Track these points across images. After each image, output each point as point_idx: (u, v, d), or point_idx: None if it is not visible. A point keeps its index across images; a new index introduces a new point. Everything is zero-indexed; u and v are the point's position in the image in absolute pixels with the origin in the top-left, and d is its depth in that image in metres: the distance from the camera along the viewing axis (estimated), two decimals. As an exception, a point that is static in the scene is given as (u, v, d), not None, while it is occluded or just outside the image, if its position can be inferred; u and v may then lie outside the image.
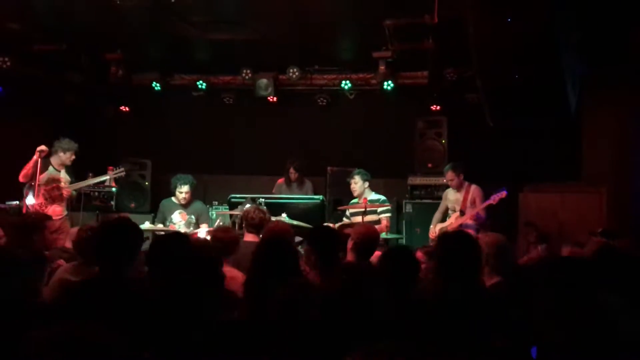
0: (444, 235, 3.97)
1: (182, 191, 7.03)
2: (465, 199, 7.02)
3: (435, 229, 7.21)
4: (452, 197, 7.19)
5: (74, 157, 7.10)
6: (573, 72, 7.45)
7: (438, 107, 8.91)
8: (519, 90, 7.82)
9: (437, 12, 6.08)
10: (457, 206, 7.11)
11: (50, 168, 7.00)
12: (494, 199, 6.71)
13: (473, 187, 7.09)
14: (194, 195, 7.35)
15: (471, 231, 6.83)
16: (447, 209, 7.29)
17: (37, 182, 6.67)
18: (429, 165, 8.62)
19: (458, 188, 7.09)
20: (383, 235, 6.60)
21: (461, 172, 7.10)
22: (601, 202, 7.47)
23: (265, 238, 4.15)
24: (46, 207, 6.80)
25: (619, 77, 7.42)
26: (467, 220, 6.86)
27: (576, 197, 7.65)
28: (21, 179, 6.82)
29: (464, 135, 8.66)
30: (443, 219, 7.29)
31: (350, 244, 4.13)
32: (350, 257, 4.09)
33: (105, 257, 3.06)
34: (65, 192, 6.94)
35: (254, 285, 3.03)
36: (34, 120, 8.98)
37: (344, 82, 8.75)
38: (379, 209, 6.88)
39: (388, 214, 6.96)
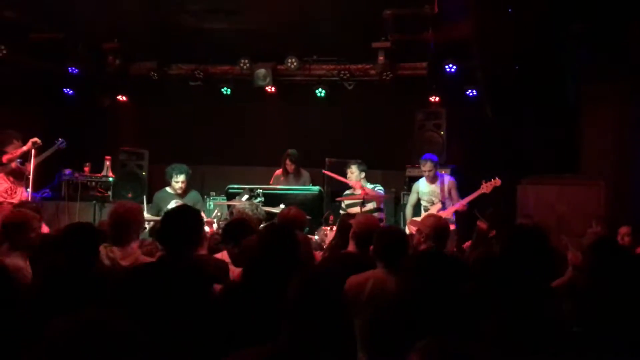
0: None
1: (179, 180, 6.96)
2: (442, 191, 7.00)
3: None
4: (425, 189, 7.13)
5: None
6: (573, 64, 7.43)
7: (437, 99, 8.86)
8: (518, 82, 7.80)
9: (438, 3, 6.05)
10: (434, 198, 7.06)
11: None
12: (487, 187, 6.65)
13: (447, 177, 7.11)
14: (191, 184, 7.31)
15: (452, 226, 6.82)
16: (417, 202, 7.23)
17: (31, 174, 6.62)
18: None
19: (433, 180, 7.08)
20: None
21: (438, 163, 7.14)
22: (600, 194, 7.46)
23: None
24: (15, 191, 6.80)
25: (618, 69, 7.40)
26: (454, 210, 6.80)
27: (575, 189, 7.63)
28: (4, 160, 6.71)
29: (463, 126, 8.62)
30: (416, 213, 7.22)
31: (351, 233, 4.14)
32: (351, 247, 4.10)
33: (167, 242, 3.13)
34: (28, 167, 6.86)
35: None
36: (31, 110, 8.93)
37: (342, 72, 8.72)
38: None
39: (379, 187, 7.05)
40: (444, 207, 6.95)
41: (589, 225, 6.35)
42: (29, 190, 6.83)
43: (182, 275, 2.90)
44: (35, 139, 6.71)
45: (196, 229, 3.24)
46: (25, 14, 7.30)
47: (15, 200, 6.74)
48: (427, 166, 7.03)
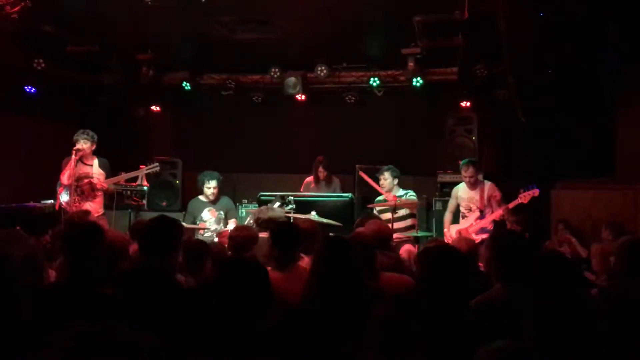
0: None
1: (210, 186, 7.07)
2: (482, 198, 6.66)
3: (450, 232, 6.81)
4: (464, 195, 6.82)
5: (94, 147, 6.97)
6: (607, 66, 7.30)
7: (468, 104, 8.82)
8: (551, 86, 7.70)
9: (468, 8, 6.01)
10: (472, 205, 6.75)
11: (78, 163, 6.82)
12: (524, 197, 6.34)
13: (488, 184, 6.74)
14: (223, 192, 7.40)
15: (487, 235, 6.70)
16: (457, 208, 6.96)
17: (72, 180, 6.69)
18: (459, 162, 8.52)
19: (473, 186, 6.76)
20: (413, 234, 6.55)
21: (480, 169, 6.82)
22: (636, 199, 7.31)
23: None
24: (80, 203, 6.75)
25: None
26: (491, 220, 6.53)
27: (610, 194, 7.49)
28: (66, 181, 6.70)
29: (495, 131, 8.56)
30: (455, 220, 6.98)
31: None
32: None
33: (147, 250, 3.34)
34: (99, 185, 6.92)
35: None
36: (67, 121, 9.14)
37: (372, 79, 8.72)
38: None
39: (412, 194, 6.92)
40: (482, 216, 6.64)
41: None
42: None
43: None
44: (78, 146, 6.76)
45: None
46: (62, 28, 7.49)
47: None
48: (469, 171, 6.68)
